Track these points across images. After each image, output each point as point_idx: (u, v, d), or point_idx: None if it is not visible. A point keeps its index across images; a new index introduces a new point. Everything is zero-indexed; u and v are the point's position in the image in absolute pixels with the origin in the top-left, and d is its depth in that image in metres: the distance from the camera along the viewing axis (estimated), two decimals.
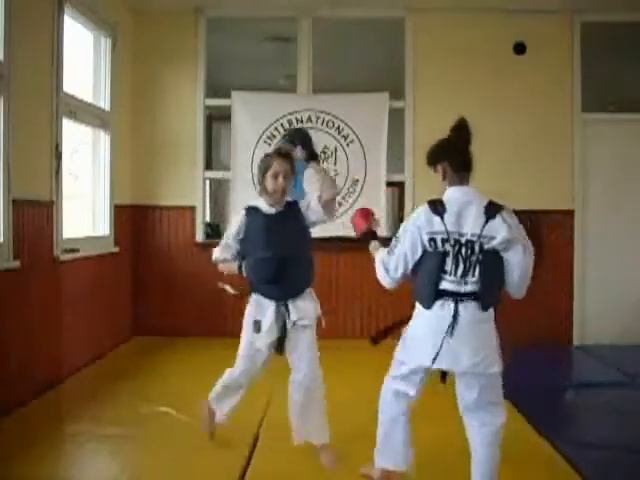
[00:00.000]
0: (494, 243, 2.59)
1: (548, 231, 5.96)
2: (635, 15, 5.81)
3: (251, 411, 3.87)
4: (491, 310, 2.65)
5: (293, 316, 3.09)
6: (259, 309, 3.12)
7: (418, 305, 2.72)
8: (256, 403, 4.01)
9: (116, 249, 5.49)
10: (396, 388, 2.82)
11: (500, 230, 2.60)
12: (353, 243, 6.14)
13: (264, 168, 3.10)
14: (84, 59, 5.30)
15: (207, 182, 6.49)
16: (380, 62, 7.05)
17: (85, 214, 5.37)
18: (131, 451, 3.32)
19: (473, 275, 2.59)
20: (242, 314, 3.22)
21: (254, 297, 3.14)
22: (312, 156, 3.14)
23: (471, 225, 2.62)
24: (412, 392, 2.78)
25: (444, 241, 2.60)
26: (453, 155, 2.84)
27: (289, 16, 6.04)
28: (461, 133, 2.87)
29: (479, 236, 2.59)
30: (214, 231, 8.19)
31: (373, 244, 2.94)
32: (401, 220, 6.43)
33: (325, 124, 5.97)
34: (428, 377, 2.77)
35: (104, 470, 3.17)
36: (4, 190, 3.82)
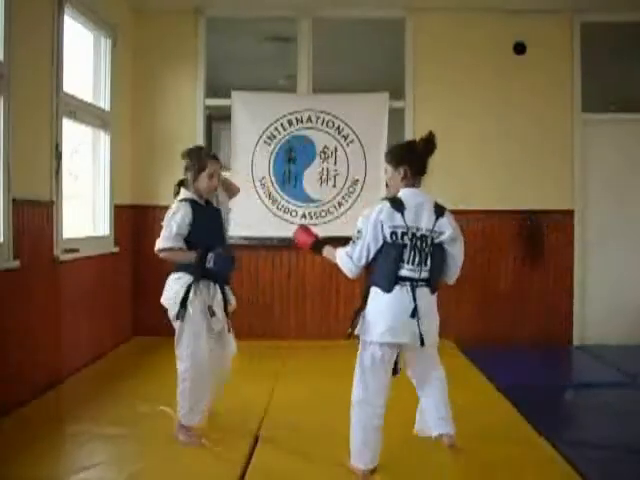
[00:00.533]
0: (442, 238, 3.08)
1: (548, 231, 5.97)
2: (636, 15, 5.82)
3: (251, 411, 3.88)
4: (436, 294, 3.18)
5: (231, 299, 3.49)
6: (209, 295, 3.39)
7: (375, 289, 3.04)
8: (256, 403, 4.02)
9: (116, 249, 5.49)
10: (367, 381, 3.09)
11: (447, 227, 3.07)
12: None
13: (199, 168, 3.41)
14: (84, 59, 5.30)
15: None
16: (380, 62, 7.05)
17: (85, 214, 5.37)
18: (131, 451, 3.32)
19: (426, 264, 3.04)
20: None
21: (200, 286, 3.35)
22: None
23: (425, 221, 3.04)
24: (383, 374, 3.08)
25: (404, 234, 2.99)
26: (416, 161, 3.11)
27: (289, 16, 6.05)
28: (428, 145, 3.11)
29: (431, 231, 3.04)
30: None
31: (327, 249, 3.26)
32: None
33: (325, 124, 5.97)
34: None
35: (104, 470, 3.17)
36: (4, 190, 3.82)
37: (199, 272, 3.33)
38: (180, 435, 3.42)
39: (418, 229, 3.02)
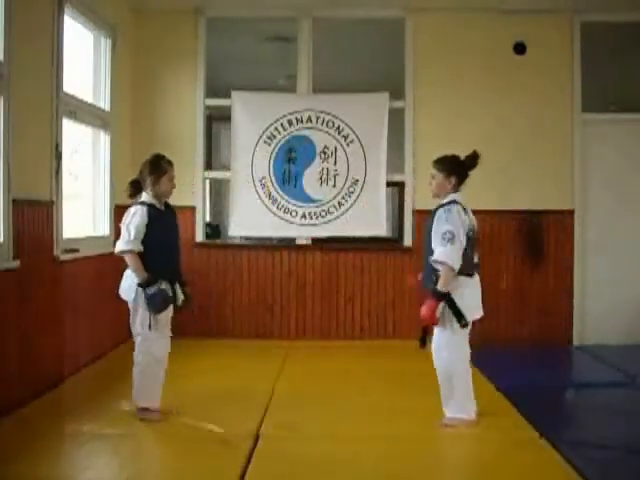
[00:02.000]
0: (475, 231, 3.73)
1: (548, 231, 5.97)
2: (635, 15, 5.81)
3: (251, 411, 3.88)
4: None
5: (179, 295, 3.77)
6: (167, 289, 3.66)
7: (462, 277, 3.55)
8: (256, 403, 4.02)
9: None
10: (468, 351, 3.74)
11: (475, 225, 3.74)
12: (353, 243, 6.18)
13: (160, 172, 3.71)
14: (84, 59, 5.30)
15: (207, 182, 6.49)
16: (380, 62, 7.05)
17: (85, 214, 5.37)
18: (131, 451, 3.32)
19: (477, 254, 3.69)
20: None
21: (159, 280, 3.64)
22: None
23: (474, 220, 3.71)
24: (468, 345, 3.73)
25: (471, 230, 3.62)
26: (463, 175, 3.71)
27: (289, 16, 6.04)
28: (472, 162, 3.72)
29: (474, 226, 3.71)
30: (214, 231, 8.21)
31: (440, 284, 3.56)
32: (401, 220, 6.44)
33: (325, 124, 5.97)
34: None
35: (104, 470, 3.17)
36: (4, 190, 3.82)
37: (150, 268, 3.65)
38: (140, 415, 3.68)
39: (474, 226, 3.68)
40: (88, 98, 5.19)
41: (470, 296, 3.60)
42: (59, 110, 4.47)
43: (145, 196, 3.75)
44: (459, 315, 3.52)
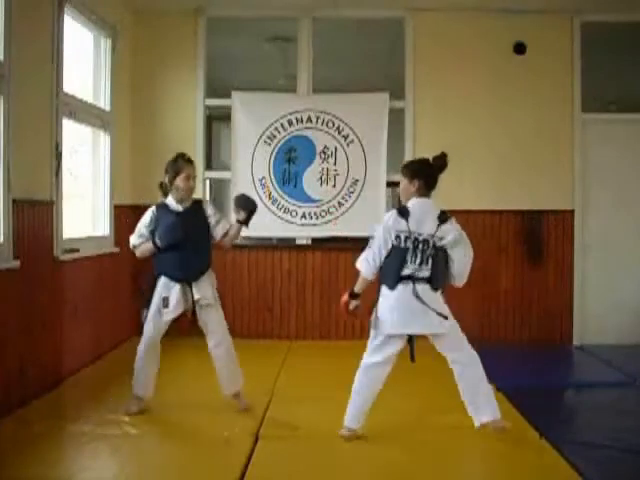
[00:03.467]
0: (444, 242, 3.41)
1: (548, 231, 5.97)
2: (635, 15, 5.81)
3: (251, 410, 3.88)
4: (439, 291, 3.47)
5: (196, 295, 3.75)
6: (166, 288, 3.76)
7: (384, 287, 3.43)
8: (256, 403, 4.01)
9: (116, 249, 5.49)
10: (372, 361, 3.47)
11: (449, 233, 3.41)
12: (352, 243, 6.17)
13: (175, 171, 3.74)
14: (84, 59, 5.30)
15: (207, 182, 6.48)
16: (380, 62, 7.05)
17: (85, 214, 5.37)
18: (131, 451, 3.32)
19: (427, 264, 3.39)
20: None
21: (162, 279, 3.76)
22: (245, 222, 3.84)
23: (428, 227, 3.40)
24: (381, 358, 3.46)
25: (407, 238, 3.38)
26: (429, 178, 3.50)
27: (289, 16, 6.04)
28: (440, 164, 3.51)
29: (432, 236, 3.39)
30: None
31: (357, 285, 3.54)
32: None
33: (325, 124, 5.97)
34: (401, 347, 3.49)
35: (104, 470, 3.17)
36: (4, 190, 3.82)
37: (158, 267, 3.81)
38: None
39: (420, 234, 3.38)
40: (88, 98, 5.19)
41: (384, 308, 3.43)
42: (59, 110, 4.47)
43: (169, 197, 3.81)
44: (374, 320, 3.47)
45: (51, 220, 4.38)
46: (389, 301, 3.41)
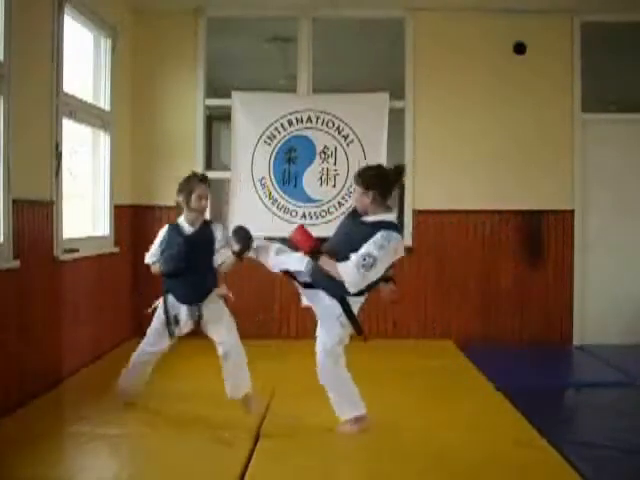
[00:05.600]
0: None
1: (548, 231, 5.97)
2: (635, 15, 5.82)
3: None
4: None
5: (205, 316, 3.74)
6: (174, 306, 3.74)
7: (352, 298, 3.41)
8: (256, 403, 4.01)
9: (116, 249, 5.49)
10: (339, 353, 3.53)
11: None
12: None
13: (189, 190, 3.70)
14: (84, 59, 5.30)
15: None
16: (380, 62, 7.05)
17: (85, 214, 5.37)
18: (131, 451, 3.32)
19: None
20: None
21: (170, 297, 3.74)
22: (239, 254, 3.72)
23: None
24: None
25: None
26: (384, 188, 3.38)
27: (289, 16, 6.04)
28: (398, 175, 3.43)
29: None
30: None
31: (324, 259, 3.39)
32: (401, 220, 6.43)
33: (325, 124, 5.97)
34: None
35: (104, 470, 3.17)
36: (4, 190, 3.82)
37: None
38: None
39: None
40: (88, 98, 5.19)
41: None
42: (59, 110, 4.47)
43: (182, 216, 3.80)
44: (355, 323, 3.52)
45: (51, 220, 4.38)
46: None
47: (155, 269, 3.83)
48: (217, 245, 3.78)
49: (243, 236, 3.74)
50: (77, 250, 4.71)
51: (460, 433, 3.57)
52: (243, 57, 7.25)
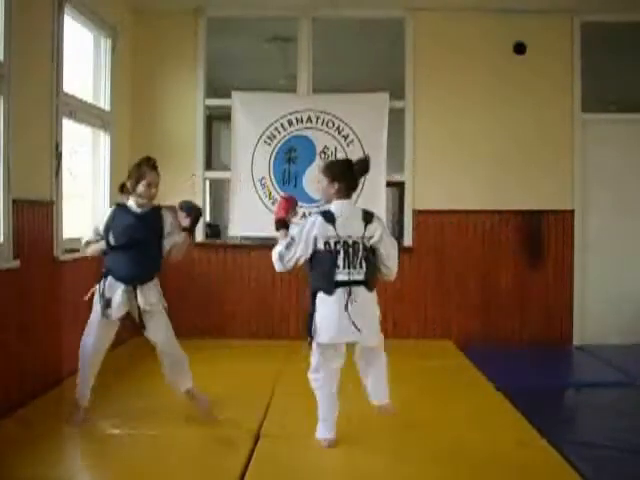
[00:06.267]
0: (373, 241, 3.35)
1: (548, 231, 5.97)
2: (635, 15, 5.82)
3: (251, 411, 3.87)
4: (374, 292, 3.39)
5: (140, 300, 3.64)
6: (110, 289, 3.65)
7: (320, 294, 3.35)
8: (256, 404, 4.02)
9: None
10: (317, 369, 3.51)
11: (376, 230, 3.36)
12: None
13: (138, 176, 3.64)
14: (84, 59, 5.30)
15: (207, 182, 6.49)
16: (380, 62, 7.05)
17: (85, 214, 5.37)
18: (131, 451, 3.32)
19: (361, 267, 3.31)
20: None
21: (108, 280, 3.66)
22: (189, 229, 3.74)
23: (356, 229, 3.33)
24: (334, 364, 3.47)
25: (336, 243, 3.30)
26: (350, 180, 3.43)
27: (289, 16, 6.04)
28: (362, 167, 3.45)
29: (362, 237, 3.32)
30: (214, 231, 8.20)
31: (282, 232, 3.49)
32: (401, 220, 6.43)
33: (325, 124, 5.97)
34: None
35: (104, 470, 3.17)
36: (4, 190, 3.82)
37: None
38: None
39: (350, 237, 3.31)
40: (88, 98, 5.20)
41: (322, 316, 3.36)
42: (59, 110, 4.47)
43: (130, 199, 3.70)
44: (308, 329, 3.45)
45: (51, 220, 4.38)
46: (326, 309, 3.33)
47: (94, 248, 3.70)
48: (166, 229, 3.74)
49: (191, 207, 3.76)
50: (77, 250, 4.70)
51: (460, 433, 3.57)
52: (243, 57, 7.25)
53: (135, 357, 5.22)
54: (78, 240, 4.84)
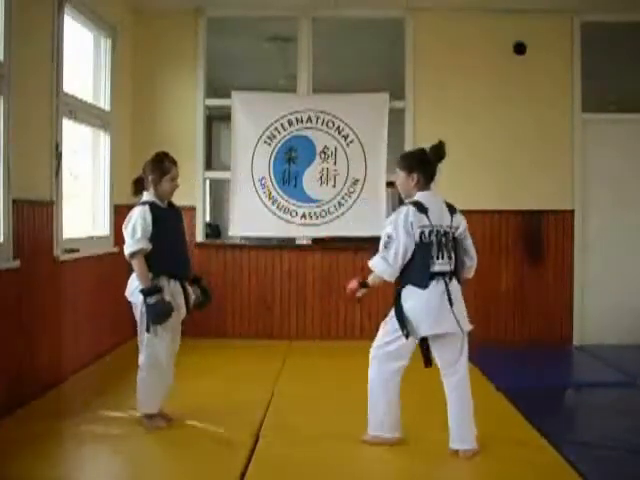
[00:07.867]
0: (458, 232, 3.32)
1: (548, 231, 5.97)
2: (635, 15, 5.82)
3: (251, 411, 3.87)
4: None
5: (190, 293, 3.72)
6: (167, 292, 3.57)
7: (411, 287, 3.22)
8: (257, 403, 4.02)
9: (116, 249, 5.47)
10: (385, 369, 3.38)
11: (461, 222, 3.35)
12: (353, 243, 6.16)
13: (162, 172, 3.62)
14: (84, 59, 5.30)
15: (207, 182, 6.49)
16: (380, 62, 7.06)
17: (85, 214, 5.37)
18: (131, 451, 3.32)
19: (451, 258, 3.26)
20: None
21: (163, 282, 3.57)
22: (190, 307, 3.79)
23: (446, 219, 3.27)
24: (404, 362, 3.38)
25: (430, 233, 3.21)
26: (427, 169, 3.32)
27: (289, 16, 6.05)
28: (438, 154, 3.33)
29: (450, 227, 3.28)
30: (214, 231, 8.21)
31: (370, 278, 3.37)
32: None
33: (325, 124, 5.97)
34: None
35: (104, 470, 3.17)
36: (4, 190, 3.82)
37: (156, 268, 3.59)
38: (145, 422, 3.57)
39: (441, 226, 3.24)
40: (88, 98, 5.19)
41: (414, 309, 3.20)
42: (59, 110, 4.47)
43: (147, 195, 3.66)
44: (401, 324, 3.21)
45: (51, 220, 4.38)
46: (422, 301, 3.19)
47: (141, 256, 3.54)
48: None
49: (206, 297, 3.86)
50: (77, 250, 4.71)
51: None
52: (243, 57, 7.25)
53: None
54: (78, 240, 4.87)
